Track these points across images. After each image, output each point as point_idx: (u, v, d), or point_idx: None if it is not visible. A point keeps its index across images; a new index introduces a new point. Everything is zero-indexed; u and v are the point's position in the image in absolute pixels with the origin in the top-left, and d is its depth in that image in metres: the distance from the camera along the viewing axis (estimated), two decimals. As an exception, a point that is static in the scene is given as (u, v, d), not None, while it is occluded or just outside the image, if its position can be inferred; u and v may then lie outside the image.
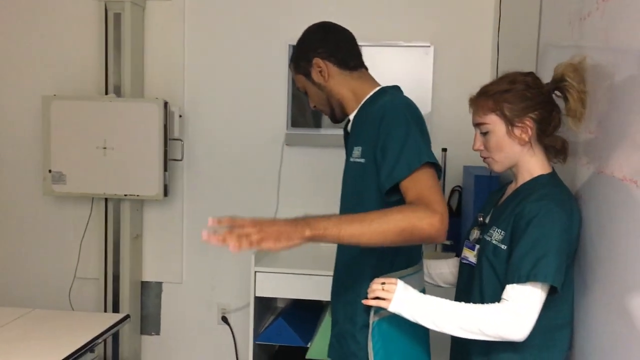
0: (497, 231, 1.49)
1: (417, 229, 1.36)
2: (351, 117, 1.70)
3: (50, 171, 3.04)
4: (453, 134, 3.01)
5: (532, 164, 1.51)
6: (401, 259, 1.59)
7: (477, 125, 1.58)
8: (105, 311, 3.15)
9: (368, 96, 1.65)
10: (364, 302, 1.48)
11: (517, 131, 1.49)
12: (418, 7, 3.03)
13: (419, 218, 1.35)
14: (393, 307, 1.42)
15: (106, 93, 3.09)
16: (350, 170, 1.65)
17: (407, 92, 2.86)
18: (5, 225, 3.35)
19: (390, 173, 1.45)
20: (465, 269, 1.63)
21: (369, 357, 1.55)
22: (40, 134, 3.10)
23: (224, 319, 3.24)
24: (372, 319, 1.55)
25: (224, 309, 3.25)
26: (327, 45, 1.68)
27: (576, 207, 1.45)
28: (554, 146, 1.52)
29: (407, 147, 1.45)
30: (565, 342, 1.47)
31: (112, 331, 2.41)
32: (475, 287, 1.53)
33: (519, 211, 1.42)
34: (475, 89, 3.04)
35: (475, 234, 1.60)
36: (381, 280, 1.45)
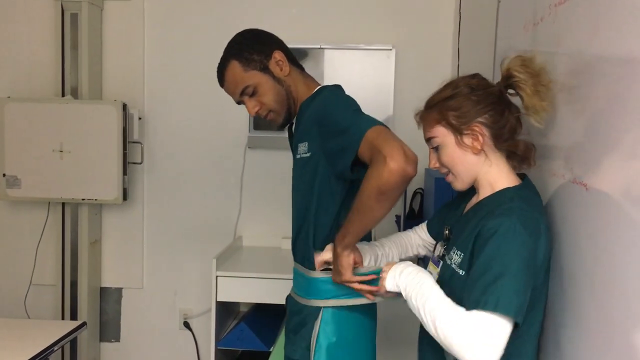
0: (456, 253, 1.35)
1: (385, 185, 1.32)
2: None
3: (4, 175, 2.95)
4: (415, 136, 3.01)
5: (493, 175, 1.36)
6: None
7: (427, 140, 1.45)
8: (63, 319, 3.07)
9: (314, 92, 1.66)
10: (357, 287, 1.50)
11: (467, 140, 1.34)
12: (380, 11, 3.05)
13: (377, 176, 1.33)
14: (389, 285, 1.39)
15: (63, 95, 3.02)
16: (299, 167, 1.64)
17: (368, 95, 2.90)
18: (-43, 231, 3.25)
19: (345, 149, 1.43)
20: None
21: (312, 337, 1.58)
22: (-7, 136, 3.01)
23: (186, 324, 3.20)
24: (324, 304, 1.59)
25: (186, 314, 3.21)
26: (277, 41, 1.67)
27: (545, 230, 1.25)
28: (515, 152, 1.36)
29: (351, 121, 1.45)
30: None
31: (69, 339, 2.34)
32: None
33: (478, 230, 1.25)
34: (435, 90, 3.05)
35: (439, 250, 1.47)
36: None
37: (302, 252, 1.66)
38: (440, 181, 2.40)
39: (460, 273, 1.29)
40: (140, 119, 3.07)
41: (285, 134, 3.13)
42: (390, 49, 2.99)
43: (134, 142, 3.07)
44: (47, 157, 2.92)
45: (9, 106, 2.93)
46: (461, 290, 1.25)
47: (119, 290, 3.25)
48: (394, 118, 2.99)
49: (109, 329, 3.27)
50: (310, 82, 1.70)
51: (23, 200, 3.04)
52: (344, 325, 1.60)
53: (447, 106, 1.36)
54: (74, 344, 3.01)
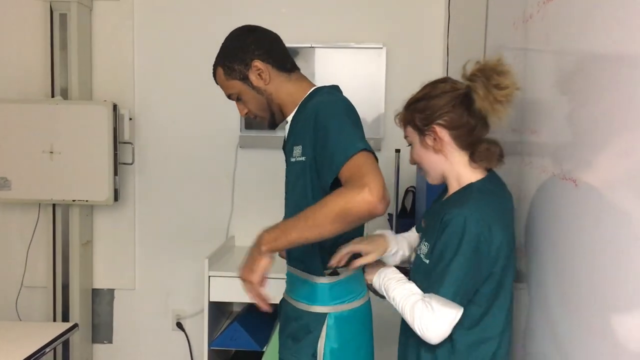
0: (424, 244, 1.46)
1: (351, 209, 1.32)
2: (289, 119, 1.67)
3: (-6, 177, 2.94)
4: (406, 134, 3.04)
5: (458, 172, 1.46)
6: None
7: (405, 138, 1.56)
8: (55, 320, 3.05)
9: (304, 97, 1.63)
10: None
11: (428, 140, 1.47)
12: (370, 9, 3.05)
13: (349, 198, 1.32)
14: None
15: (52, 96, 3.00)
16: (293, 170, 1.63)
17: (360, 93, 2.88)
18: (-54, 233, 3.22)
19: (330, 165, 1.42)
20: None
21: (319, 344, 1.58)
22: (-17, 138, 2.99)
23: (179, 325, 3.19)
24: (329, 310, 1.59)
25: (179, 314, 3.20)
26: (263, 47, 1.62)
27: (503, 223, 1.36)
28: (474, 150, 1.44)
29: (342, 138, 1.42)
30: (488, 354, 1.41)
31: (60, 341, 2.34)
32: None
33: (440, 221, 1.37)
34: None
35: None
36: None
37: (303, 258, 1.65)
38: (431, 179, 2.40)
39: (427, 262, 1.41)
40: (130, 119, 3.06)
41: (277, 134, 3.13)
42: (381, 48, 2.99)
43: (124, 143, 3.06)
44: (37, 158, 2.91)
45: (-2, 107, 2.92)
46: (423, 278, 1.41)
47: (111, 292, 3.24)
48: (385, 116, 3.00)
49: (101, 331, 3.26)
50: (304, 83, 1.67)
51: (13, 202, 3.02)
52: (348, 329, 1.61)
53: (414, 108, 1.49)
54: (66, 345, 2.99)
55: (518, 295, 1.56)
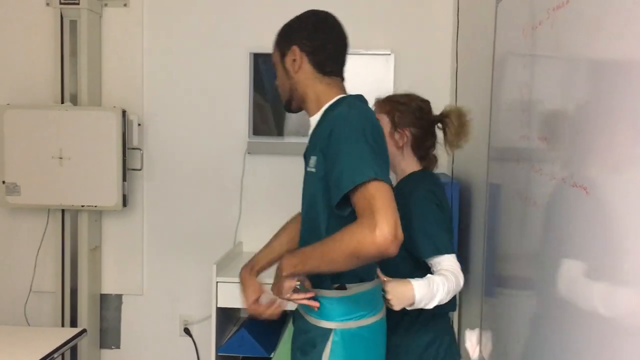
0: None
1: (361, 251, 1.35)
2: (312, 123, 1.66)
3: (4, 182, 2.95)
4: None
5: (404, 165, 1.93)
6: (351, 271, 1.53)
7: None
8: (63, 326, 3.06)
9: (329, 104, 1.62)
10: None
11: (396, 135, 1.90)
12: (379, 15, 3.06)
13: (360, 238, 1.35)
14: None
15: (62, 102, 3.02)
16: (307, 179, 1.63)
17: (368, 100, 2.90)
18: (-44, 238, 3.24)
19: (337, 185, 1.43)
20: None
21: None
22: (-7, 144, 3.01)
23: (187, 331, 3.19)
24: (335, 326, 1.56)
25: (186, 320, 3.20)
26: (313, 42, 1.63)
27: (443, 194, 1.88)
28: (424, 158, 1.95)
29: (353, 160, 1.42)
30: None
31: (69, 346, 2.34)
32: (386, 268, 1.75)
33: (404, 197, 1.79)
34: (436, 96, 3.09)
35: None
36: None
37: None
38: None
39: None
40: (139, 125, 3.08)
41: (285, 140, 3.14)
42: (389, 54, 3.00)
43: (133, 149, 3.08)
44: (46, 163, 2.92)
45: (9, 113, 2.94)
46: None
47: (119, 297, 3.24)
48: (393, 123, 2.99)
49: (109, 336, 3.26)
50: (335, 89, 1.65)
51: (23, 207, 3.04)
52: (355, 347, 1.57)
53: (397, 107, 1.92)
54: (74, 351, 3.00)
55: (525, 302, 1.56)
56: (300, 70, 1.64)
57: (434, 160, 1.99)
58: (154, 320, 3.22)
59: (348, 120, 1.48)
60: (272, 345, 2.64)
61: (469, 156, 2.52)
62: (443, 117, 1.93)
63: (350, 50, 3.05)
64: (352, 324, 1.56)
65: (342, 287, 1.56)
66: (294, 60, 1.63)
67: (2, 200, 2.96)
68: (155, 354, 3.24)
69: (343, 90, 1.68)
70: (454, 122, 1.90)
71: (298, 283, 1.54)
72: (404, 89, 3.00)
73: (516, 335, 1.66)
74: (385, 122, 1.89)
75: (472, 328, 2.29)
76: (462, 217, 2.47)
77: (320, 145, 1.52)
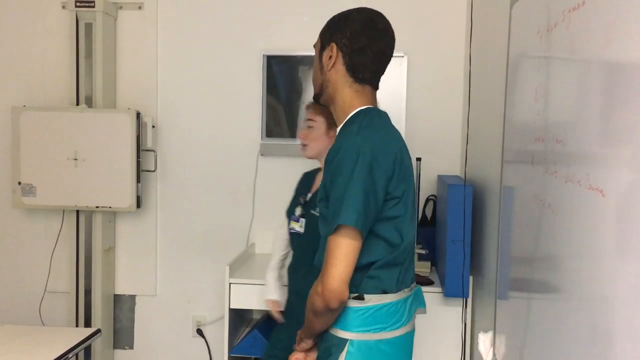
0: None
1: (315, 309, 1.52)
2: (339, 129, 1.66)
3: (19, 183, 2.98)
4: (427, 142, 3.03)
5: None
6: (372, 282, 1.56)
7: (307, 120, 2.26)
8: (77, 326, 3.09)
9: (350, 115, 1.61)
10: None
11: (331, 133, 2.19)
12: (391, 17, 3.03)
13: (312, 297, 1.52)
14: None
15: (77, 103, 3.05)
16: (317, 222, 1.66)
17: (380, 102, 2.91)
18: (-27, 238, 3.28)
19: (330, 221, 1.51)
20: (294, 237, 2.32)
21: None
22: (9, 145, 3.04)
23: (199, 332, 3.21)
24: (351, 336, 1.54)
25: (199, 321, 3.21)
26: (353, 43, 1.59)
27: None
28: None
29: (337, 202, 1.47)
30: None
31: (83, 346, 2.36)
32: (308, 252, 1.95)
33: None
34: (448, 98, 3.06)
35: (299, 211, 2.32)
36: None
37: None
38: (454, 188, 2.39)
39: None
40: (153, 127, 3.10)
41: (297, 142, 3.15)
42: (402, 56, 2.99)
43: (147, 150, 3.10)
44: (61, 165, 2.95)
45: (25, 115, 2.97)
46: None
47: (132, 298, 3.27)
48: (406, 124, 2.99)
49: (122, 336, 3.28)
50: (360, 100, 1.62)
51: (38, 208, 3.07)
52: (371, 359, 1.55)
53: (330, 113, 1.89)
54: (88, 351, 3.02)
55: (540, 306, 1.55)
56: (333, 69, 1.61)
57: None
58: (167, 321, 3.24)
59: (343, 155, 1.49)
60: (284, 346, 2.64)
61: (482, 159, 2.51)
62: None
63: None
64: (370, 336, 1.54)
65: (360, 297, 1.54)
66: (330, 57, 1.60)
67: (18, 201, 2.99)
68: (168, 354, 3.25)
69: (371, 100, 1.64)
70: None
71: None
72: (418, 91, 3.03)
73: (530, 338, 1.65)
74: (320, 121, 2.21)
75: (486, 331, 2.28)
76: (476, 220, 2.46)
77: (324, 175, 1.57)
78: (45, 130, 2.97)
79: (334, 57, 1.60)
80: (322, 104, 1.71)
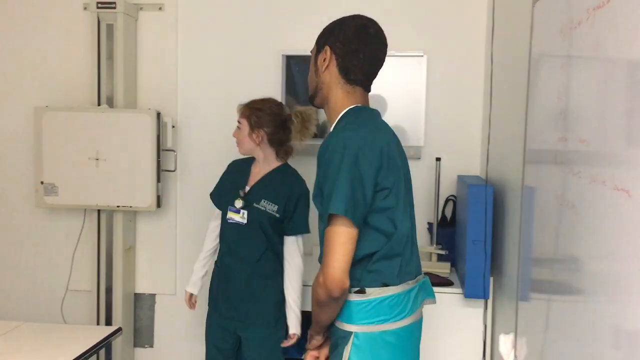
0: (269, 204, 2.39)
1: (318, 299, 1.58)
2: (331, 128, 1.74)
3: (42, 182, 3.02)
4: (446, 142, 3.02)
5: (266, 157, 2.46)
6: (373, 276, 1.63)
7: (237, 121, 2.47)
8: (98, 324, 3.12)
9: (341, 114, 1.70)
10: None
11: (253, 135, 2.42)
12: (411, 17, 3.04)
13: (315, 286, 1.59)
14: None
15: (99, 104, 3.08)
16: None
17: (400, 102, 2.93)
18: (-3, 237, 3.33)
19: (325, 207, 1.58)
20: (233, 227, 2.44)
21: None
22: (32, 145, 3.08)
23: (218, 331, 3.21)
24: (355, 329, 1.62)
25: (218, 320, 3.22)
26: (346, 47, 1.69)
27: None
28: (281, 150, 2.46)
29: (331, 191, 1.55)
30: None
31: (104, 344, 2.38)
32: (248, 241, 2.41)
33: (289, 192, 2.42)
34: (468, 98, 3.04)
35: (240, 203, 2.44)
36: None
37: None
38: (474, 188, 2.37)
39: (277, 216, 2.41)
40: (173, 127, 3.12)
41: (313, 142, 3.16)
42: (422, 56, 2.98)
43: (167, 150, 3.12)
44: (83, 165, 2.98)
45: (47, 115, 3.01)
46: (277, 223, 2.45)
47: (152, 297, 3.29)
48: (426, 124, 2.98)
49: (143, 335, 3.31)
50: (351, 100, 1.72)
51: (60, 207, 3.10)
52: (376, 351, 1.61)
53: (254, 112, 2.42)
54: (108, 349, 3.05)
55: (562, 308, 1.53)
56: (327, 71, 1.71)
57: (289, 150, 2.48)
58: (186, 319, 3.26)
59: (332, 151, 1.58)
60: (303, 347, 2.64)
61: (504, 159, 2.49)
62: (290, 118, 2.41)
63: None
64: (374, 328, 1.60)
65: (362, 291, 1.61)
66: (324, 59, 1.71)
67: (41, 200, 3.03)
68: (187, 353, 3.27)
69: (361, 101, 1.73)
70: (296, 121, 2.37)
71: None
72: (438, 90, 3.01)
73: (552, 340, 1.63)
74: (244, 123, 2.42)
75: (507, 333, 2.26)
76: (496, 221, 2.44)
77: (317, 171, 1.66)
78: (67, 131, 3.01)
79: (328, 59, 1.70)
80: (317, 106, 1.82)
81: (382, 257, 1.61)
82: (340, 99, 1.71)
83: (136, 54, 3.19)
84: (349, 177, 1.53)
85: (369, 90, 1.77)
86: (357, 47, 1.69)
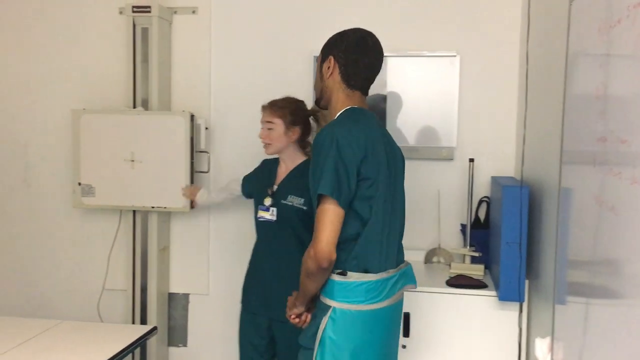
0: (296, 198, 2.43)
1: (307, 270, 1.79)
2: None
3: (79, 184, 3.09)
4: (480, 144, 2.98)
5: (294, 154, 2.54)
6: (355, 262, 1.85)
7: (266, 122, 2.50)
8: (133, 322, 3.17)
9: (339, 113, 1.93)
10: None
11: (289, 132, 2.48)
12: (443, 17, 3.02)
13: (306, 258, 1.79)
14: None
15: (134, 106, 3.13)
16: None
17: (432, 103, 2.95)
18: (35, 237, 3.41)
19: (314, 187, 1.80)
20: (264, 225, 2.52)
21: (320, 329, 1.84)
22: (69, 147, 3.15)
23: (251, 331, 3.23)
24: (334, 304, 1.84)
25: (251, 320, 3.24)
26: (347, 57, 1.94)
27: None
28: (307, 145, 2.55)
29: (319, 173, 1.78)
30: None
31: (140, 343, 2.42)
32: (279, 238, 2.49)
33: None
34: (501, 98, 3.00)
35: (268, 201, 2.50)
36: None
37: None
38: (509, 189, 2.34)
39: (305, 208, 2.42)
40: (207, 129, 3.15)
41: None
42: (455, 56, 2.95)
43: (200, 152, 3.15)
44: (119, 166, 3.04)
45: (84, 117, 3.07)
46: (308, 217, 2.35)
47: (186, 296, 3.33)
48: (458, 125, 2.95)
49: (176, 334, 3.35)
50: (349, 102, 1.94)
51: (97, 208, 3.16)
52: (350, 326, 1.83)
53: (290, 111, 2.49)
54: (143, 347, 3.10)
55: (600, 312, 1.50)
56: (331, 78, 1.96)
57: (307, 145, 2.55)
58: (219, 319, 3.29)
59: (320, 141, 1.81)
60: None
61: (540, 160, 2.45)
62: (314, 113, 2.54)
63: (413, 52, 3.05)
64: (350, 307, 1.82)
65: (343, 273, 1.84)
66: (329, 67, 1.95)
67: (78, 201, 3.10)
68: (220, 352, 3.30)
69: (358, 103, 1.96)
70: (321, 118, 2.50)
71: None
72: (471, 91, 2.98)
73: (589, 345, 1.60)
74: (278, 122, 2.47)
75: (543, 336, 2.22)
76: (532, 222, 2.40)
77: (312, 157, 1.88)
78: (103, 133, 3.06)
79: (332, 67, 1.95)
80: (323, 108, 2.06)
81: (363, 243, 1.84)
82: (341, 101, 1.95)
83: (170, 57, 3.23)
84: (333, 163, 1.76)
85: (367, 94, 2.01)
86: (357, 56, 1.93)
